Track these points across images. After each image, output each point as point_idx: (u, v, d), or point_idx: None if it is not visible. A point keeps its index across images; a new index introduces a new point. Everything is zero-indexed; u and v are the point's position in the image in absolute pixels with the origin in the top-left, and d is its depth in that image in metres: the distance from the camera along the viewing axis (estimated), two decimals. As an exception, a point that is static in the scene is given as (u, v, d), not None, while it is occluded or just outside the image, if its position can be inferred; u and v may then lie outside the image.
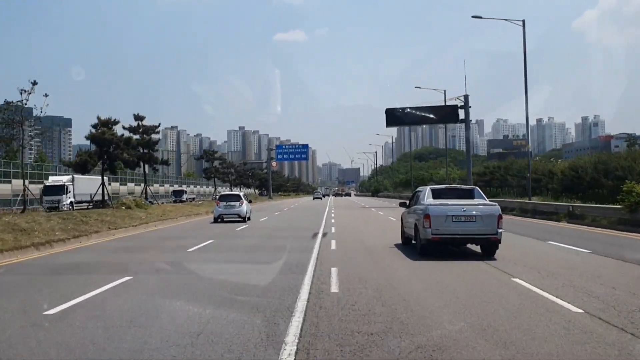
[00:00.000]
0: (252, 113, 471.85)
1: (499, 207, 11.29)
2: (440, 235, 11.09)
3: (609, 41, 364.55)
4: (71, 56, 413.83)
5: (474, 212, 11.02)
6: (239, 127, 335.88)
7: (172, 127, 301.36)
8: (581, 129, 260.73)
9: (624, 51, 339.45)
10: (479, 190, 12.40)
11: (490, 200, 12.24)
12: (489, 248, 11.44)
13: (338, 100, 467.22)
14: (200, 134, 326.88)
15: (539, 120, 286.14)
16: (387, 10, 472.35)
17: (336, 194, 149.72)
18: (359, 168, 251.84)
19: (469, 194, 12.32)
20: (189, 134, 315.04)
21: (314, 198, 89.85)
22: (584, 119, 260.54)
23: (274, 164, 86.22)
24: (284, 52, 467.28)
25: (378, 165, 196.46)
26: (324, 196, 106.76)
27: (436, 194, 12.22)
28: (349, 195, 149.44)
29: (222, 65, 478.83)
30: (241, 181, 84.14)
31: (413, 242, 13.30)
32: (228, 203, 25.46)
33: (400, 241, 14.37)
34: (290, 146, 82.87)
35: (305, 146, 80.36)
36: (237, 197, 26.06)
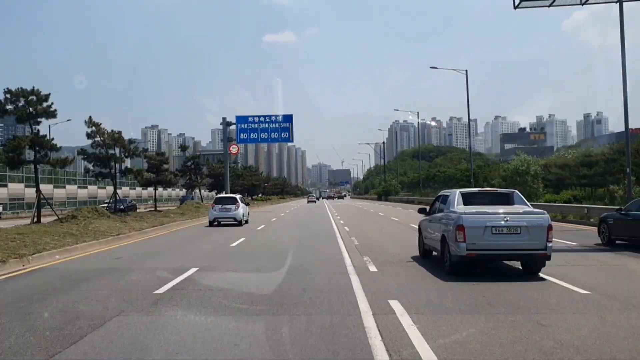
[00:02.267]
0: (245, 113, 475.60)
1: (548, 215, 9.65)
2: (477, 251, 9.40)
3: (604, 40, 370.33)
4: (60, 57, 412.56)
5: (518, 222, 9.36)
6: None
7: (153, 126, 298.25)
8: (583, 126, 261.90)
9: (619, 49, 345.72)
10: (519, 193, 10.75)
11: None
12: (533, 266, 9.85)
13: (329, 102, 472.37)
14: (184, 134, 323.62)
15: (539, 118, 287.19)
16: (380, 12, 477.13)
17: (328, 197, 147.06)
18: (349, 169, 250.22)
19: (506, 199, 10.65)
20: (170, 134, 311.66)
21: (308, 201, 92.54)
22: (586, 116, 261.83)
23: (233, 148, 50.59)
24: (274, 53, 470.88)
25: (372, 165, 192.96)
26: (317, 199, 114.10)
27: (467, 199, 10.57)
28: (342, 197, 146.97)
29: (212, 67, 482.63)
30: (166, 178, 45.91)
31: (434, 254, 11.83)
32: (223, 206, 25.93)
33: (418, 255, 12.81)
34: (262, 119, 45.94)
35: (288, 118, 45.69)
36: (233, 200, 26.46)
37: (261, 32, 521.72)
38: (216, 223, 25.81)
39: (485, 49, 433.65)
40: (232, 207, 25.88)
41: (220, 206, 26.06)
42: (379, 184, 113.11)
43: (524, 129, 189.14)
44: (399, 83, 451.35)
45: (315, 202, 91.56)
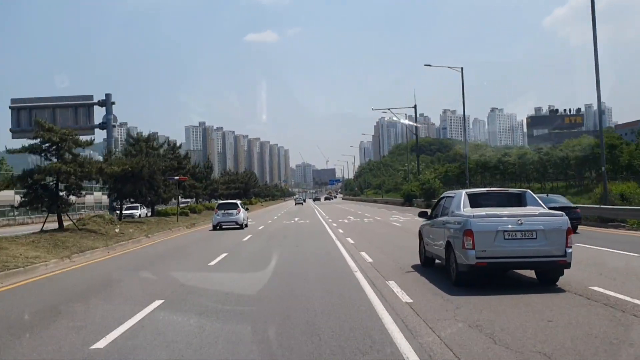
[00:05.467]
0: (226, 115, 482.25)
1: (567, 217, 9.23)
2: (488, 259, 8.93)
3: (586, 38, 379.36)
4: (41, 59, 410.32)
5: (534, 226, 8.93)
6: (199, 123, 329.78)
7: (121, 124, 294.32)
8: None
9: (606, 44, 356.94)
10: (532, 193, 10.33)
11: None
12: (550, 275, 9.45)
13: (313, 102, 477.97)
14: (157, 132, 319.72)
15: (537, 110, 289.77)
16: (365, 11, 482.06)
17: (315, 199, 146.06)
18: (334, 169, 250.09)
19: (518, 200, 10.26)
20: (141, 132, 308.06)
21: (296, 203, 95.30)
22: (588, 107, 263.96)
23: None
24: (256, 53, 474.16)
25: (363, 162, 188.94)
26: (304, 201, 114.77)
27: (474, 200, 10.14)
28: (329, 199, 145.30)
29: (192, 66, 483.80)
30: None
31: (437, 261, 11.44)
32: (226, 211, 29.61)
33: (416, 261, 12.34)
34: None
35: None
36: (235, 205, 30.39)
37: (242, 31, 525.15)
38: (219, 227, 29.28)
39: (471, 50, 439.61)
40: (234, 211, 29.55)
41: (223, 211, 29.71)
42: (403, 178, 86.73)
43: (556, 110, 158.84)
44: (385, 83, 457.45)
45: (302, 204, 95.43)
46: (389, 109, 52.89)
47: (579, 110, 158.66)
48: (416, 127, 51.54)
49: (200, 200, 54.56)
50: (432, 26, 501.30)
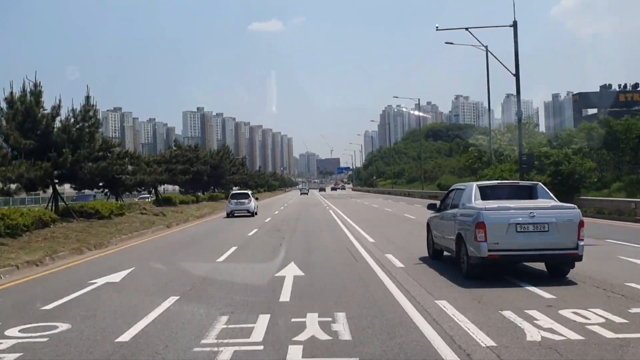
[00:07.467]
0: (229, 105, 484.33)
1: (579, 210, 9.66)
2: (500, 251, 9.39)
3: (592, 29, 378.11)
4: (43, 51, 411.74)
5: (546, 219, 9.36)
6: (197, 109, 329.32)
7: (115, 109, 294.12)
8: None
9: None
10: (543, 186, 10.76)
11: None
12: (561, 267, 9.90)
13: (318, 93, 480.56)
14: (154, 119, 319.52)
15: (555, 96, 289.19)
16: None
17: (320, 189, 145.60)
18: (338, 158, 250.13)
19: (529, 192, 10.70)
20: (136, 118, 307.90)
21: (301, 193, 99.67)
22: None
23: None
24: (261, 42, 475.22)
25: (366, 154, 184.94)
26: (308, 191, 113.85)
27: (484, 193, 10.59)
28: (336, 190, 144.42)
29: (195, 55, 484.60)
30: None
31: (446, 253, 11.92)
32: (238, 200, 33.66)
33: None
34: None
35: None
36: (246, 195, 34.73)
37: (246, 20, 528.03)
38: (231, 215, 32.93)
39: (480, 38, 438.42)
40: (246, 201, 33.61)
41: (235, 200, 33.70)
42: (478, 159, 61.26)
43: (609, 86, 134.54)
44: (392, 73, 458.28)
45: (307, 193, 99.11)
46: (467, 28, 29.41)
47: (636, 85, 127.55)
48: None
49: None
50: (440, 15, 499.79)
